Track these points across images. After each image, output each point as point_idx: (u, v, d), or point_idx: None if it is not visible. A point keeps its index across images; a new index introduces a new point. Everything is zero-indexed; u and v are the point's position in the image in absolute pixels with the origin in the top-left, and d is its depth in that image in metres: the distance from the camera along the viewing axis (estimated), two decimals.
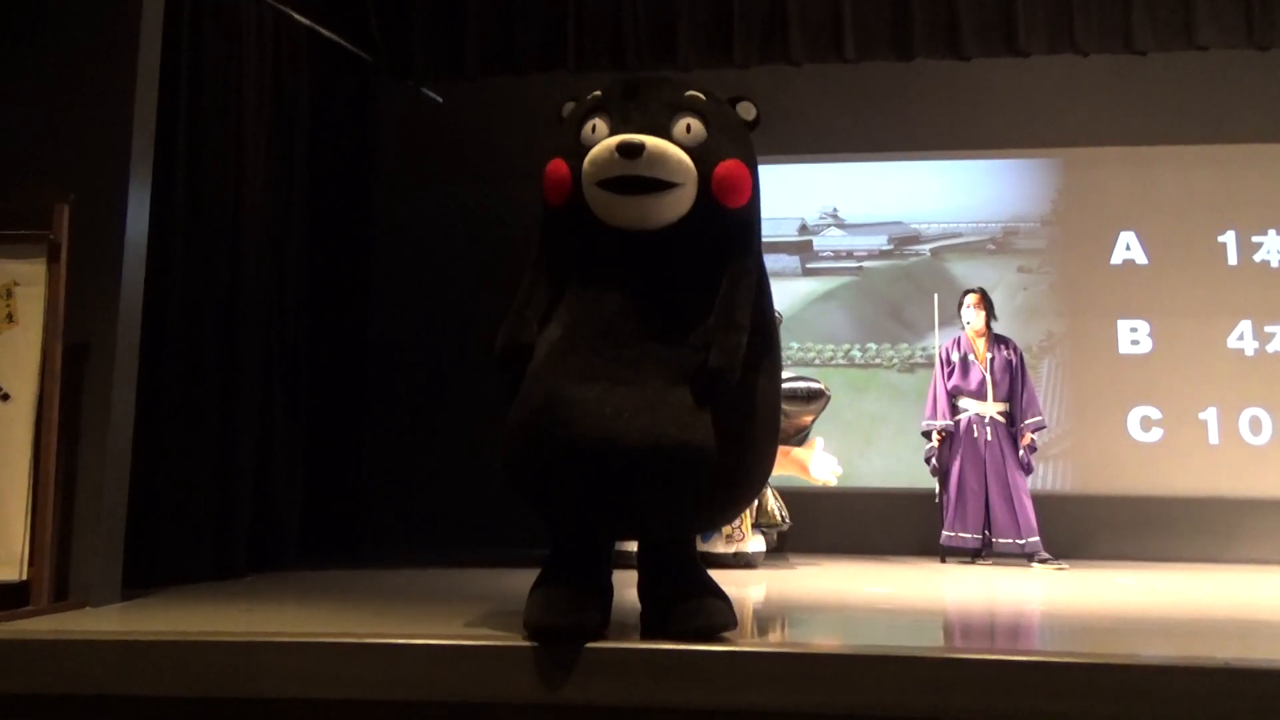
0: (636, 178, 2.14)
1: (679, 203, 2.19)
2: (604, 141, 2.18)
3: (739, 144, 2.28)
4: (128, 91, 3.00)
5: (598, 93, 2.33)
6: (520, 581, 3.69)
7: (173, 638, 2.26)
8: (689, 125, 2.21)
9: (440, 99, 5.72)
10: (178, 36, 3.57)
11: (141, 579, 3.16)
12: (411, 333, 5.81)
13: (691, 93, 2.28)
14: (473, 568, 4.18)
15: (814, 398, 4.68)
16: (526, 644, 2.14)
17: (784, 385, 4.43)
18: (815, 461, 4.57)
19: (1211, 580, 4.26)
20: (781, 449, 4.47)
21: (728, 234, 2.29)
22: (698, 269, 2.24)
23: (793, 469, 4.55)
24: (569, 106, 2.40)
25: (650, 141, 2.14)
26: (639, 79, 2.36)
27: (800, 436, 4.79)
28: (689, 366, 2.13)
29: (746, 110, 2.36)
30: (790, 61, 5.08)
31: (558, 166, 2.26)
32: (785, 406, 4.27)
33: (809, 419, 4.76)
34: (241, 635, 2.27)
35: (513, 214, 5.95)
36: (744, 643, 2.21)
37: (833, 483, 4.62)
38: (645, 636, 2.18)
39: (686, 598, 2.20)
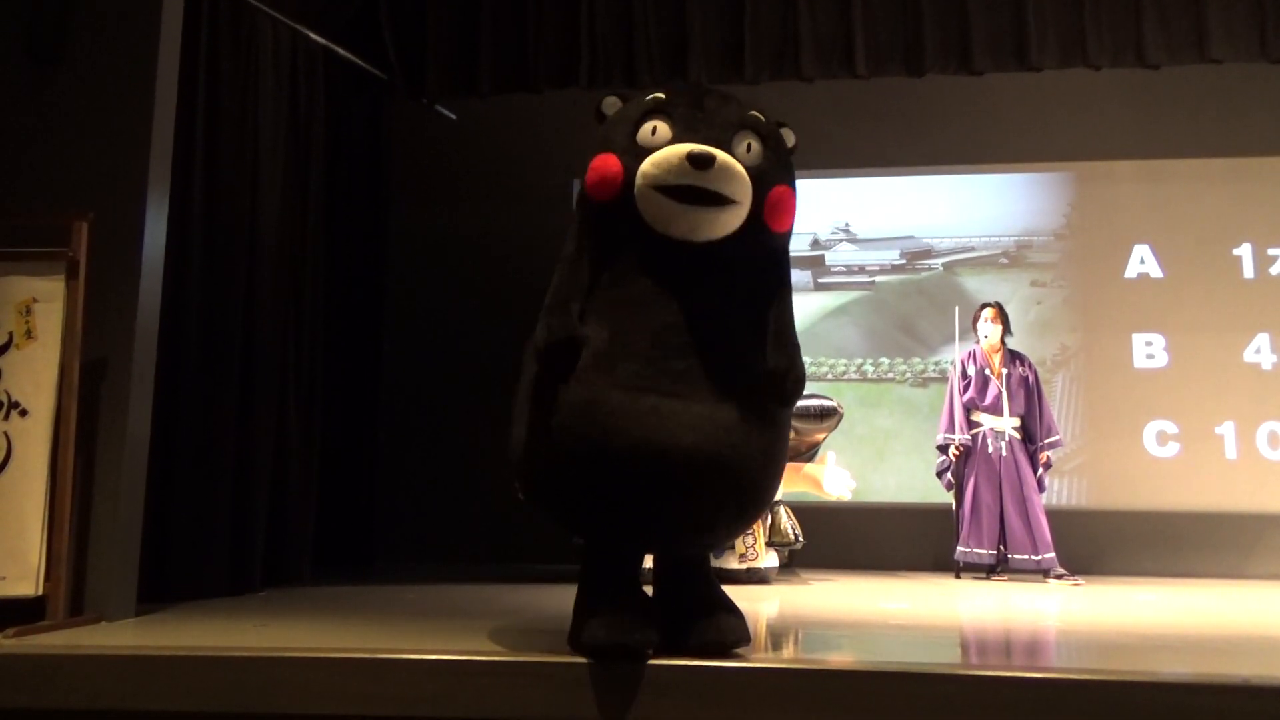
0: (703, 189, 2.14)
1: (733, 220, 2.20)
2: (673, 147, 2.16)
3: (788, 169, 2.33)
4: (146, 110, 3.04)
5: (660, 95, 2.30)
6: (534, 597, 3.70)
7: (187, 653, 2.26)
8: (750, 145, 2.23)
9: (454, 116, 5.77)
10: (195, 56, 3.62)
11: (157, 594, 3.17)
12: (425, 349, 5.83)
13: (754, 112, 2.30)
14: (486, 583, 4.18)
15: (826, 415, 4.66)
16: (540, 660, 2.14)
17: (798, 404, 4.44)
18: (828, 477, 4.56)
19: (1230, 596, 4.22)
20: (793, 465, 4.48)
21: (770, 256, 2.33)
22: (737, 286, 2.26)
23: (805, 485, 4.53)
24: (611, 102, 2.36)
25: (721, 156, 2.14)
26: (707, 89, 2.36)
27: (811, 453, 4.78)
28: (733, 384, 2.15)
29: (788, 136, 2.39)
30: (802, 78, 5.09)
31: (609, 162, 2.21)
32: (797, 424, 4.27)
33: (821, 436, 4.75)
34: (256, 651, 2.28)
35: (526, 231, 5.98)
36: (758, 659, 2.20)
37: (846, 497, 4.60)
38: (660, 652, 2.17)
39: (703, 613, 2.20)
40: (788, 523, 4.59)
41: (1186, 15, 4.89)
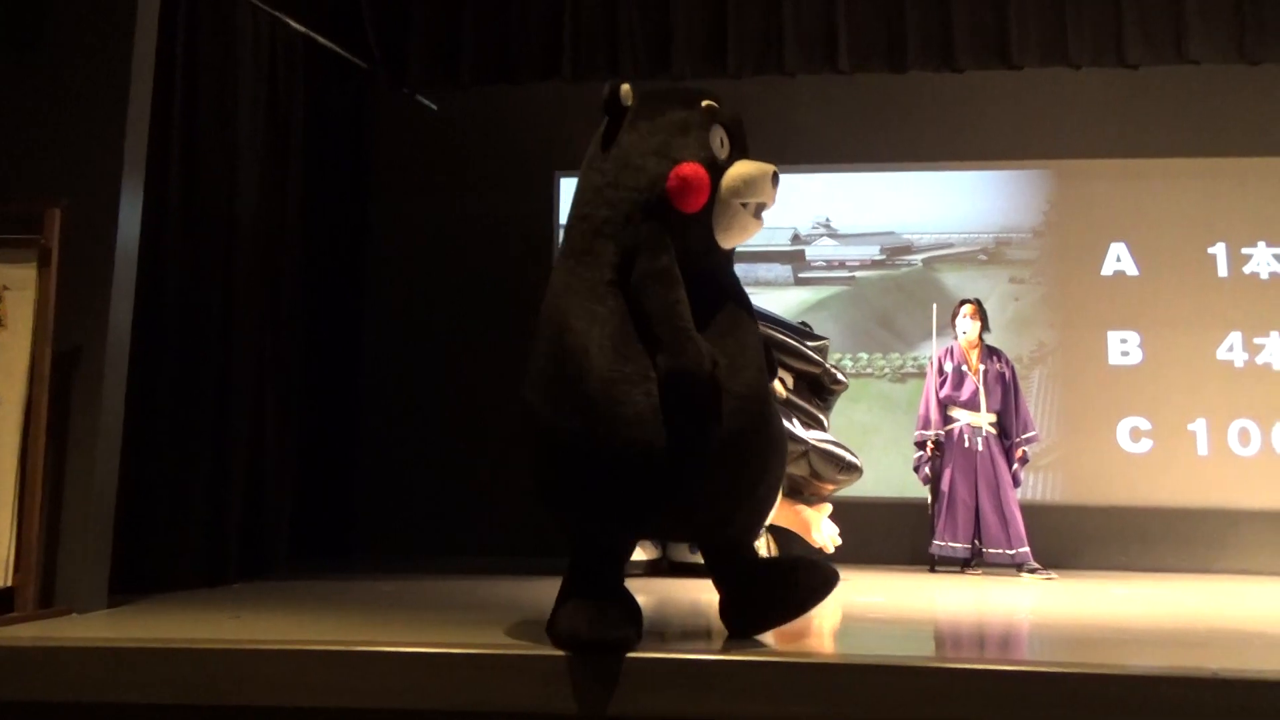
0: (765, 206, 2.36)
1: None
2: (761, 166, 2.32)
3: None
4: (121, 98, 3.00)
5: (712, 103, 2.36)
6: (513, 590, 3.69)
7: (160, 645, 2.25)
8: None
9: (435, 107, 5.73)
10: (172, 43, 3.58)
11: (129, 585, 3.14)
12: (406, 340, 5.80)
13: None
14: (465, 576, 4.17)
15: (850, 470, 4.56)
16: (518, 653, 2.14)
17: (830, 448, 4.41)
18: (821, 526, 4.53)
19: (1200, 590, 4.28)
20: (795, 505, 4.44)
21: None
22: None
23: (797, 525, 4.51)
24: (629, 91, 2.37)
25: None
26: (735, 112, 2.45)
27: (816, 499, 4.71)
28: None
29: None
30: (784, 72, 5.10)
31: (701, 174, 2.25)
32: (822, 469, 4.27)
33: (833, 489, 4.67)
34: (229, 643, 2.26)
35: (507, 222, 5.97)
36: (736, 652, 2.21)
37: (830, 550, 4.56)
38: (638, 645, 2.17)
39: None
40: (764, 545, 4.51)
41: (1166, 16, 4.93)
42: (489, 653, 2.18)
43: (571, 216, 2.43)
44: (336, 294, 5.32)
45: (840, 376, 4.74)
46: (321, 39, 4.70)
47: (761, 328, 4.04)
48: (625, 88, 2.36)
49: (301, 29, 4.49)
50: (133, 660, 2.18)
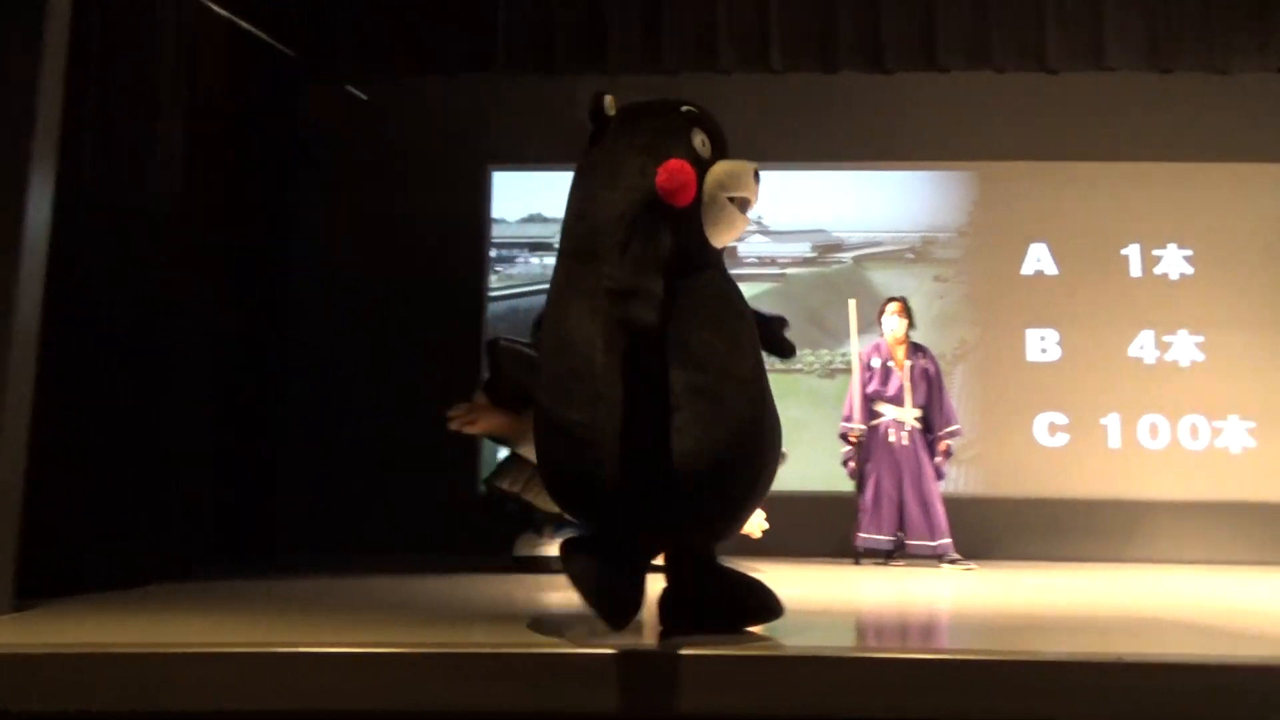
0: (750, 201, 2.45)
1: None
2: (742, 162, 2.44)
3: None
4: (30, 80, 2.88)
5: (692, 108, 2.48)
6: (440, 588, 3.66)
7: (70, 650, 2.18)
8: None
9: (365, 97, 5.64)
10: (87, 26, 3.44)
11: (37, 589, 3.02)
12: (332, 336, 5.69)
13: None
14: (391, 575, 4.11)
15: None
16: (445, 651, 2.13)
17: None
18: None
19: (1110, 579, 4.44)
20: None
21: None
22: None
23: None
24: (611, 101, 2.49)
25: None
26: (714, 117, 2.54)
27: None
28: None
29: None
30: (718, 70, 5.15)
31: (687, 168, 2.33)
32: None
33: None
34: (142, 647, 2.20)
35: (439, 217, 5.90)
36: (655, 646, 2.23)
37: (757, 535, 4.63)
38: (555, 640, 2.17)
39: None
40: None
41: (1085, 24, 5.11)
42: (415, 651, 2.16)
43: (569, 218, 2.49)
44: (260, 287, 5.18)
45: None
46: (246, 25, 4.59)
47: None
48: (609, 98, 2.48)
49: (225, 14, 4.37)
50: (42, 667, 2.11)
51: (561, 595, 3.51)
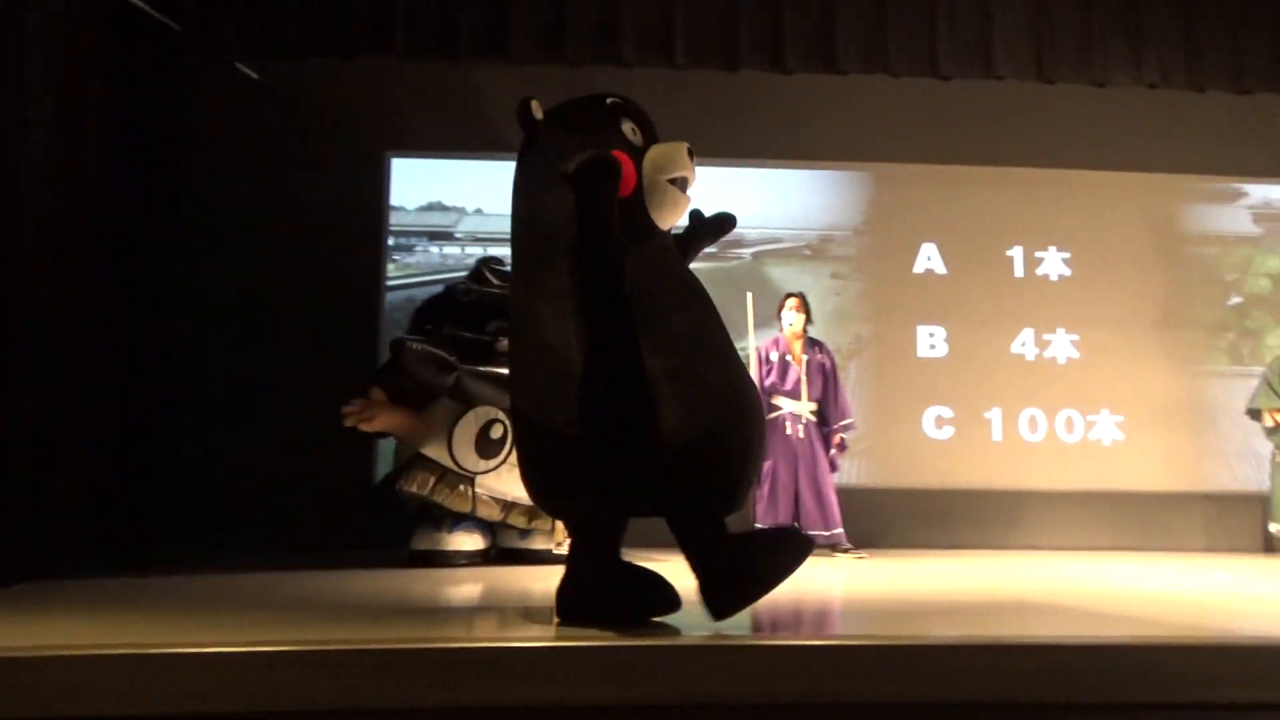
0: (689, 180, 2.53)
1: None
2: (675, 144, 2.51)
3: None
4: None
5: (616, 99, 2.57)
6: (334, 583, 3.57)
7: None
8: None
9: (257, 76, 5.43)
10: None
11: None
12: (220, 327, 5.46)
13: None
14: (274, 571, 3.96)
15: None
16: (326, 649, 2.08)
17: None
18: None
19: (992, 566, 4.65)
20: None
21: None
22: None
23: None
24: (538, 105, 2.57)
25: None
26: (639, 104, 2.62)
27: None
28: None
29: None
30: (622, 63, 5.15)
31: (624, 157, 2.40)
32: None
33: None
34: (13, 650, 2.08)
35: (334, 204, 5.73)
36: (548, 638, 2.22)
37: None
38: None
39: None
40: None
41: (974, 34, 5.30)
42: (295, 649, 2.10)
43: (518, 225, 2.54)
44: (143, 274, 4.92)
45: None
46: None
47: None
48: (534, 103, 2.56)
49: None
50: None
51: (462, 589, 3.47)
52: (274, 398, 5.33)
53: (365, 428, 4.20)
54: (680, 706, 2.09)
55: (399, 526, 4.38)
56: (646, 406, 2.21)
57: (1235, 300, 6.38)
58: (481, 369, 4.21)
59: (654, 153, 2.47)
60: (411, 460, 4.23)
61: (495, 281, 4.57)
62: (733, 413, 2.30)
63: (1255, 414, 5.85)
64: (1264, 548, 5.84)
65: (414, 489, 4.15)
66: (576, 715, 2.06)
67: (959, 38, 5.29)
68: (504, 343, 4.26)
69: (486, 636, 2.20)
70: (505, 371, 4.11)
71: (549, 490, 2.42)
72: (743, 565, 2.34)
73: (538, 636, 2.17)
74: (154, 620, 2.63)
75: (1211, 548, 5.92)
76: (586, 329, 2.27)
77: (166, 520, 5.06)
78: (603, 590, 2.43)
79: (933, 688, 2.15)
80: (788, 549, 2.43)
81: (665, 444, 2.20)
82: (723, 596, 2.30)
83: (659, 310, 2.31)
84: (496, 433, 4.27)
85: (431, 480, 4.16)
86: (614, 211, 2.31)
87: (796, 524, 5.18)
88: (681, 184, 2.51)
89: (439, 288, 5.16)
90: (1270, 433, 5.75)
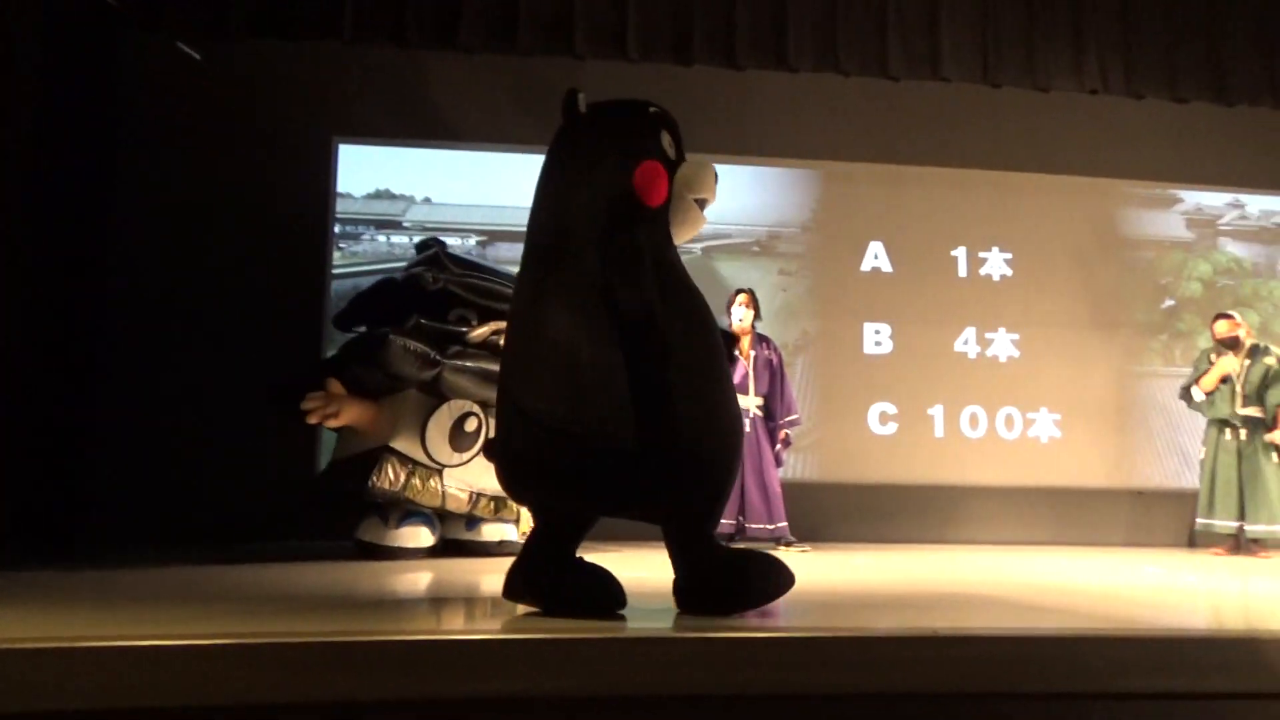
0: (708, 201, 2.56)
1: None
2: (705, 162, 2.54)
3: None
4: None
5: (656, 109, 2.59)
6: (276, 575, 3.50)
7: None
8: None
9: (199, 57, 5.30)
10: None
11: None
12: (154, 315, 5.32)
13: None
14: (202, 565, 3.85)
15: None
16: (252, 642, 2.04)
17: None
18: None
19: (933, 559, 4.73)
20: None
21: None
22: None
23: None
24: (582, 98, 2.57)
25: None
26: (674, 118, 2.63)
27: None
28: None
29: None
30: (574, 55, 5.12)
31: (661, 169, 2.45)
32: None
33: None
34: None
35: (279, 190, 5.63)
36: (480, 631, 2.21)
37: None
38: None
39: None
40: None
41: (923, 37, 5.38)
42: (222, 643, 2.05)
43: (541, 216, 2.51)
44: (76, 258, 4.78)
45: None
46: None
47: (478, 278, 4.13)
48: (581, 95, 2.56)
49: None
50: None
51: (410, 580, 3.43)
52: (213, 387, 5.21)
53: (332, 424, 4.06)
54: (613, 698, 2.10)
55: (341, 518, 4.30)
56: (652, 410, 2.27)
57: (1168, 303, 6.57)
58: (461, 363, 4.11)
59: (687, 170, 2.51)
60: (379, 454, 4.07)
61: (456, 270, 4.45)
62: (726, 436, 2.41)
63: (1187, 395, 5.80)
64: (1188, 542, 6.04)
65: (386, 485, 4.02)
66: (524, 707, 2.05)
67: (908, 40, 5.37)
68: (475, 332, 4.22)
69: (434, 629, 2.18)
70: (485, 365, 4.09)
71: (536, 483, 2.41)
72: (733, 582, 2.42)
73: (486, 630, 2.16)
74: (83, 613, 2.56)
75: (1141, 542, 6.11)
76: (599, 330, 2.29)
77: (98, 512, 4.92)
78: (556, 582, 2.42)
79: (872, 679, 2.19)
80: (778, 579, 2.50)
81: (668, 452, 2.27)
82: (703, 605, 2.41)
83: (677, 330, 2.35)
84: (471, 425, 4.18)
85: (403, 475, 4.06)
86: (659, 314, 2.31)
87: (741, 518, 5.22)
88: (702, 204, 2.55)
89: (383, 276, 5.05)
90: (1205, 406, 5.69)
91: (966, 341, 6.37)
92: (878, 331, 6.30)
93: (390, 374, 4.00)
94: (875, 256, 6.41)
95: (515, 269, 5.16)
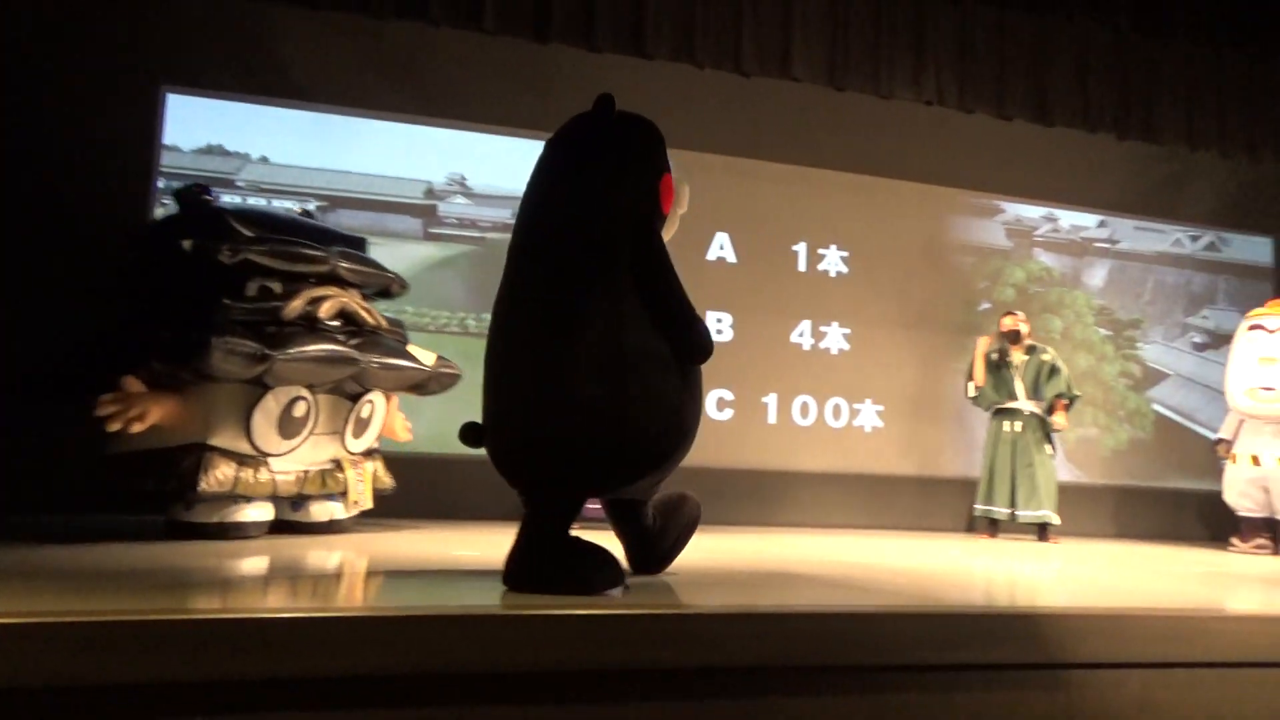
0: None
1: None
2: (682, 182, 2.96)
3: None
4: None
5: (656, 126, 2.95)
6: (82, 554, 3.25)
7: None
8: None
9: None
10: None
11: None
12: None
13: None
14: (86, 542, 3.55)
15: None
16: (156, 619, 1.93)
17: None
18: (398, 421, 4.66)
19: (762, 542, 4.92)
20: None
21: None
22: None
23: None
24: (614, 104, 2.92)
25: None
26: None
27: None
28: None
29: None
30: (429, 21, 4.98)
31: (672, 182, 2.91)
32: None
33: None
34: None
35: (96, 138, 5.20)
36: (330, 609, 2.16)
37: (409, 438, 4.71)
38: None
39: None
40: (352, 474, 4.36)
41: (776, 37, 5.54)
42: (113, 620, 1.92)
43: (573, 211, 2.75)
44: None
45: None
46: None
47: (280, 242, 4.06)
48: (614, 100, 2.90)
49: None
50: None
51: (213, 561, 3.28)
52: (15, 349, 4.76)
53: (138, 428, 3.57)
54: (466, 675, 2.09)
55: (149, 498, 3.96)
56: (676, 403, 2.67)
57: (985, 306, 7.06)
58: (294, 350, 3.76)
59: (679, 189, 2.91)
60: (196, 453, 3.70)
61: (250, 233, 3.94)
62: (689, 423, 2.83)
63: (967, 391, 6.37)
64: (967, 527, 6.51)
65: (216, 487, 3.69)
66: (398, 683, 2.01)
67: (762, 37, 5.51)
68: (290, 306, 3.86)
69: (256, 607, 2.09)
70: (317, 347, 3.83)
71: (572, 468, 2.64)
72: (671, 546, 3.14)
73: (314, 607, 2.10)
74: None
75: (951, 527, 6.56)
76: (637, 320, 2.62)
77: None
78: (559, 562, 2.61)
79: (703, 654, 2.27)
80: (692, 523, 3.25)
81: (653, 439, 2.65)
82: (660, 565, 3.12)
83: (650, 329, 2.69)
84: (300, 410, 3.93)
85: (233, 473, 3.74)
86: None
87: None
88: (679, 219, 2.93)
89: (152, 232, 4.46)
90: (981, 399, 6.27)
91: (802, 334, 6.63)
92: (719, 320, 6.47)
93: (211, 377, 3.64)
94: (720, 247, 6.56)
95: (333, 228, 4.87)
